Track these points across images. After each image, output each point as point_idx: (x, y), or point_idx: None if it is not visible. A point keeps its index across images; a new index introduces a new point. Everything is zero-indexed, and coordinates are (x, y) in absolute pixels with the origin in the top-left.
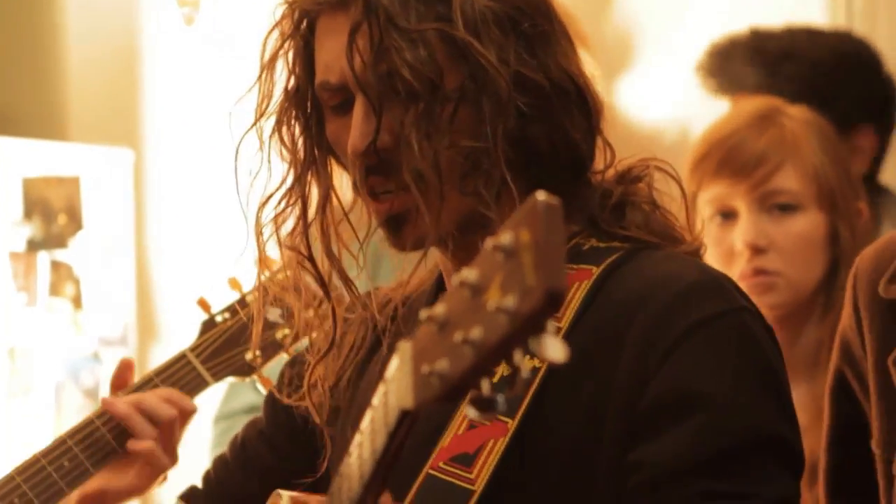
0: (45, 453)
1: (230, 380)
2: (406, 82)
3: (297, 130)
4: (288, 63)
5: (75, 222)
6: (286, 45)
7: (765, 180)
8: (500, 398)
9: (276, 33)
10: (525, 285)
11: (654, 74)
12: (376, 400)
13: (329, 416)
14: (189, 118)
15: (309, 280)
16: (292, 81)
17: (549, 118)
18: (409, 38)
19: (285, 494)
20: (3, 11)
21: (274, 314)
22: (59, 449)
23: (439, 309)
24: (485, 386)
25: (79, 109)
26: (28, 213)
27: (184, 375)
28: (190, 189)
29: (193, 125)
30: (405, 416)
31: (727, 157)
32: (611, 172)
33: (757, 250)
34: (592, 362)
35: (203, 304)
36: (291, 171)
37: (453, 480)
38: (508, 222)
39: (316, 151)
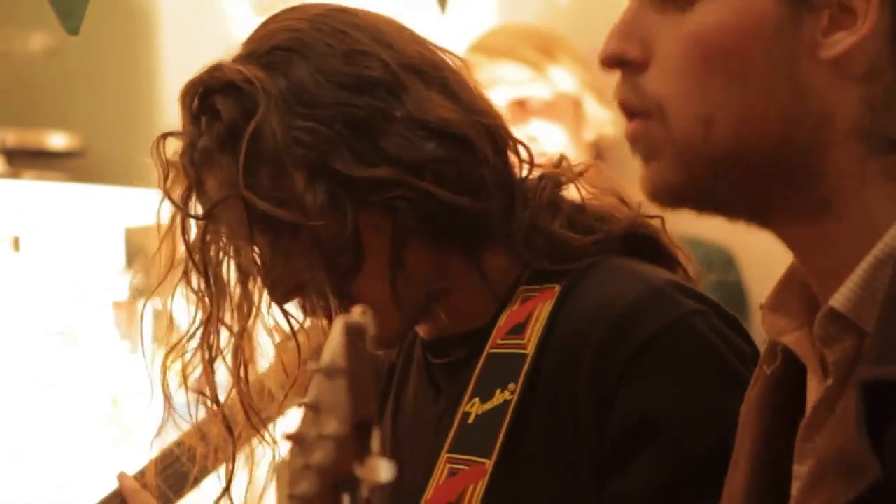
0: None
1: None
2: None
3: None
4: None
5: None
6: None
7: None
8: None
9: None
10: (342, 411)
11: None
12: None
13: None
14: None
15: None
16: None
17: (429, 193)
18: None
19: None
20: None
21: None
22: None
23: (301, 428)
24: (346, 501)
25: None
26: None
27: None
28: None
29: None
30: None
31: None
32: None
33: None
34: (560, 388)
35: None
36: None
37: None
38: (327, 343)
39: None
